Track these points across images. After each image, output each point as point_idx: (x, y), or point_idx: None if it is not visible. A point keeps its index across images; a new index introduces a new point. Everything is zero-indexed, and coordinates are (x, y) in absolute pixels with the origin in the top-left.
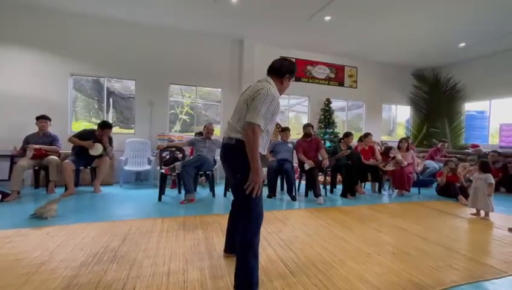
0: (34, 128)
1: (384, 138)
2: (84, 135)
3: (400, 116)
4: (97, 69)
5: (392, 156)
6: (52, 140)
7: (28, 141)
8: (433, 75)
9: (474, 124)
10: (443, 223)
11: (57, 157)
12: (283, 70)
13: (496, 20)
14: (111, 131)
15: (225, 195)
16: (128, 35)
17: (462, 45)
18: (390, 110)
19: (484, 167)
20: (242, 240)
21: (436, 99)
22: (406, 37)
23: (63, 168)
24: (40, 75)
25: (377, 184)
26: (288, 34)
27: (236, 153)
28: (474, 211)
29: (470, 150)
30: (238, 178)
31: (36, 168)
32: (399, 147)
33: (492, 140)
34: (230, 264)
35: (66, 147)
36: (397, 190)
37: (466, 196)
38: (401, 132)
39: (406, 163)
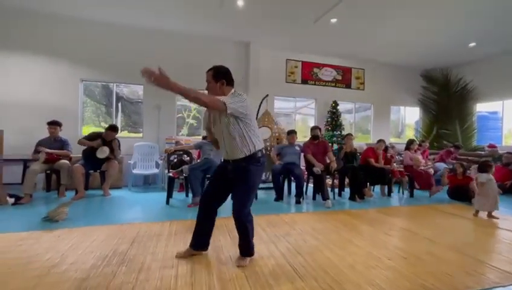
0: (46, 133)
1: (393, 140)
2: (92, 136)
3: (409, 117)
4: (106, 74)
5: (390, 154)
6: (63, 144)
7: (40, 145)
8: (442, 75)
9: (487, 125)
10: (455, 227)
11: (67, 162)
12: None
13: (508, 19)
14: (115, 134)
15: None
16: (137, 41)
17: (473, 44)
18: (399, 111)
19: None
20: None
21: (446, 101)
22: (414, 37)
23: (73, 172)
24: (51, 81)
25: (386, 187)
26: (295, 37)
27: None
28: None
29: (486, 151)
30: None
31: (48, 172)
32: (409, 149)
33: (506, 141)
34: (237, 267)
35: (76, 151)
36: (429, 191)
37: None
38: (410, 134)
39: (423, 162)
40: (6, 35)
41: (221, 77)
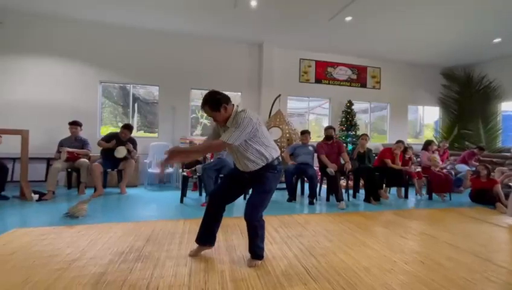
0: (68, 133)
1: (411, 141)
2: (110, 137)
3: (428, 117)
4: (124, 76)
5: (409, 156)
6: (83, 144)
7: (62, 144)
8: (464, 73)
9: None
10: (478, 232)
11: (87, 160)
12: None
13: None
14: (129, 132)
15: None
16: (152, 43)
17: (497, 40)
18: (417, 111)
19: None
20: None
21: (469, 99)
22: (433, 34)
23: (92, 170)
24: (72, 83)
25: (403, 189)
26: (308, 37)
27: None
28: None
29: (511, 152)
30: None
31: (69, 170)
32: (427, 149)
33: None
34: (249, 267)
35: (95, 151)
36: (440, 195)
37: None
38: (429, 134)
39: (440, 163)
40: (28, 39)
41: (218, 104)
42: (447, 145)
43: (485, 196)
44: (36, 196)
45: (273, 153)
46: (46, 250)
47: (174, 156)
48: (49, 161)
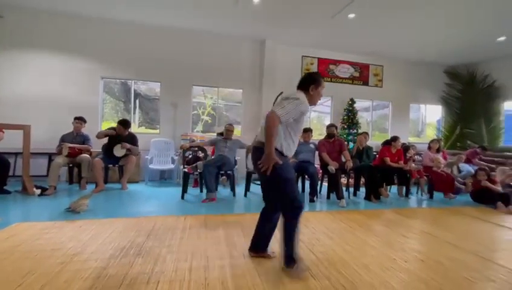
0: (69, 128)
1: (412, 140)
2: (108, 132)
3: (430, 116)
4: (125, 72)
5: (409, 156)
6: (84, 139)
7: (63, 139)
8: (467, 72)
9: None
10: (479, 231)
11: (88, 156)
12: (306, 83)
13: None
14: (124, 128)
15: (245, 195)
16: (154, 39)
17: (502, 38)
18: (419, 110)
19: None
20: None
21: (472, 99)
22: (437, 32)
23: (93, 166)
24: (74, 79)
25: (404, 188)
26: (311, 34)
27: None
28: None
29: None
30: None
31: (70, 165)
32: (429, 148)
33: None
34: (249, 264)
35: (96, 146)
36: (446, 195)
37: (506, 203)
38: (431, 133)
39: (443, 164)
40: (30, 34)
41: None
42: (441, 143)
43: (485, 195)
44: (38, 191)
45: (285, 147)
46: (49, 243)
47: (270, 160)
48: (50, 156)
